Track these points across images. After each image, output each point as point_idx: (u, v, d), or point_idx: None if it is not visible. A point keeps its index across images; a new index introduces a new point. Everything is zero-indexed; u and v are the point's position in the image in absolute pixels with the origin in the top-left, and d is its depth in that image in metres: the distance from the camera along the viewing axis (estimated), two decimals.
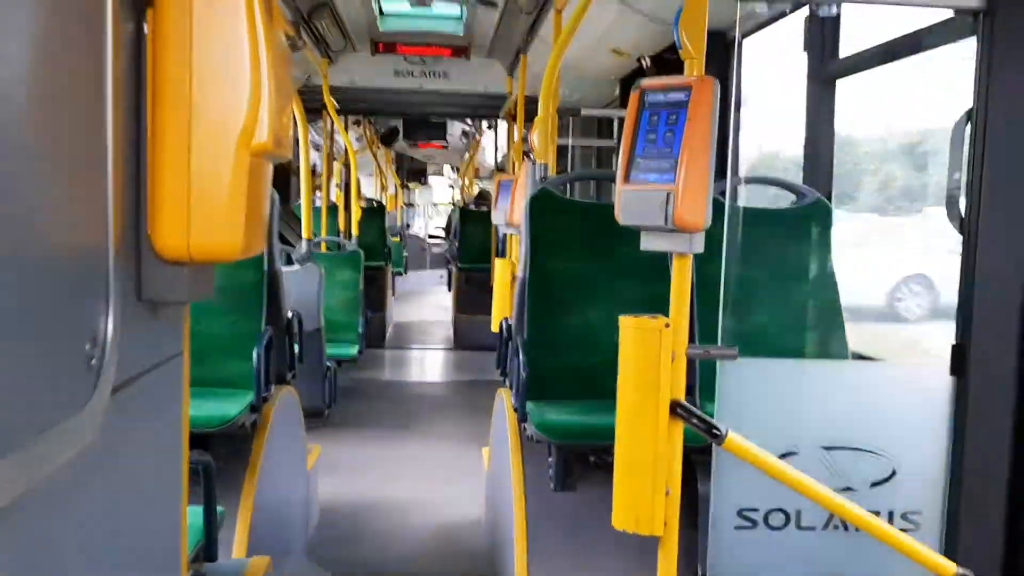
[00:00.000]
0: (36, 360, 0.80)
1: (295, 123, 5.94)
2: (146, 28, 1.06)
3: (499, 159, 11.64)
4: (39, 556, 0.86)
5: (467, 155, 15.04)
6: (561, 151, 8.17)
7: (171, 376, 1.27)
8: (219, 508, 2.31)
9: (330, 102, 7.21)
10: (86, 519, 0.98)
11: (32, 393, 0.79)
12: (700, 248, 1.97)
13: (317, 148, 10.98)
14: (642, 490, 2.00)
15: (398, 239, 13.12)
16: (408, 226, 19.27)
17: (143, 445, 1.18)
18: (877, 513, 2.13)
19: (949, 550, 2.16)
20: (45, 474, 0.84)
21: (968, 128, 2.24)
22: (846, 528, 2.21)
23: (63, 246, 0.87)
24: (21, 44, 0.77)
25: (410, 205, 21.11)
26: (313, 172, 11.40)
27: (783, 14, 3.96)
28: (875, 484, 2.22)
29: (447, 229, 16.16)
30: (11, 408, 0.76)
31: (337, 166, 10.30)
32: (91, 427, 0.92)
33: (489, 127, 11.48)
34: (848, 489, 2.19)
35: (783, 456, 2.14)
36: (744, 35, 4.09)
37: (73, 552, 0.94)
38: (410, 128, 11.89)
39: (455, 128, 12.48)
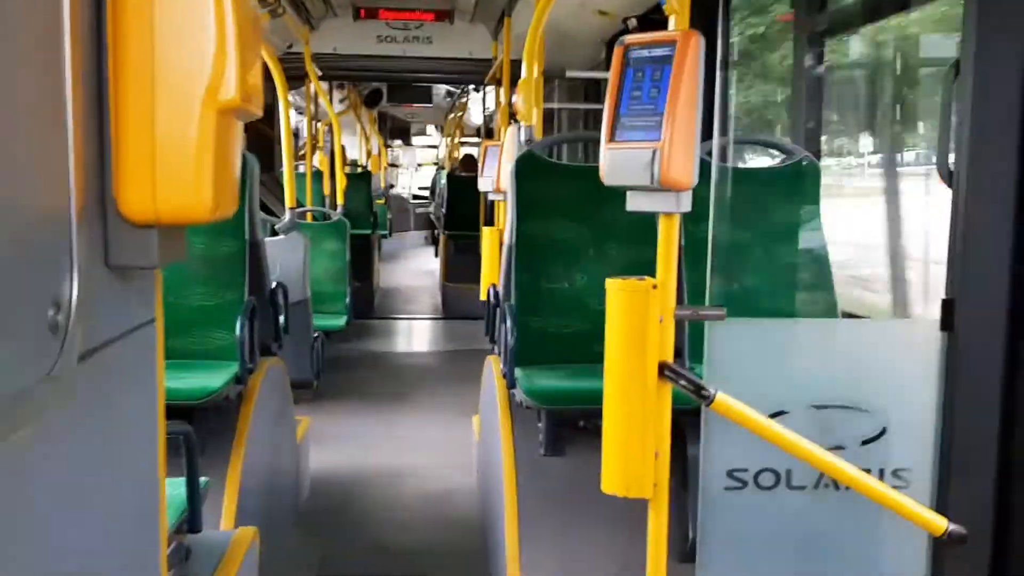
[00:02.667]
0: None
1: (276, 90, 5.88)
2: None
3: (485, 119, 11.54)
4: (4, 526, 0.83)
5: (452, 115, 14.93)
6: (547, 116, 8.11)
7: (144, 343, 1.23)
8: (203, 479, 2.29)
9: (312, 69, 7.11)
10: (55, 487, 0.95)
11: None
12: (687, 207, 1.93)
13: (300, 111, 10.86)
14: (631, 453, 1.98)
15: (383, 201, 13.04)
16: (392, 186, 19.25)
17: (116, 413, 1.14)
18: (868, 471, 2.12)
19: (940, 506, 2.15)
20: (12, 439, 0.81)
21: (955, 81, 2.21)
22: (837, 487, 2.20)
23: (21, 208, 0.83)
24: None
25: (394, 166, 21.00)
26: (296, 136, 11.29)
27: None
28: (865, 442, 2.21)
29: (431, 190, 16.16)
30: None
31: (320, 127, 10.18)
32: (58, 392, 0.89)
33: (476, 90, 11.38)
34: (839, 448, 2.17)
35: (773, 416, 2.12)
36: None
37: (41, 520, 0.92)
38: (394, 90, 11.79)
39: (439, 88, 12.37)
